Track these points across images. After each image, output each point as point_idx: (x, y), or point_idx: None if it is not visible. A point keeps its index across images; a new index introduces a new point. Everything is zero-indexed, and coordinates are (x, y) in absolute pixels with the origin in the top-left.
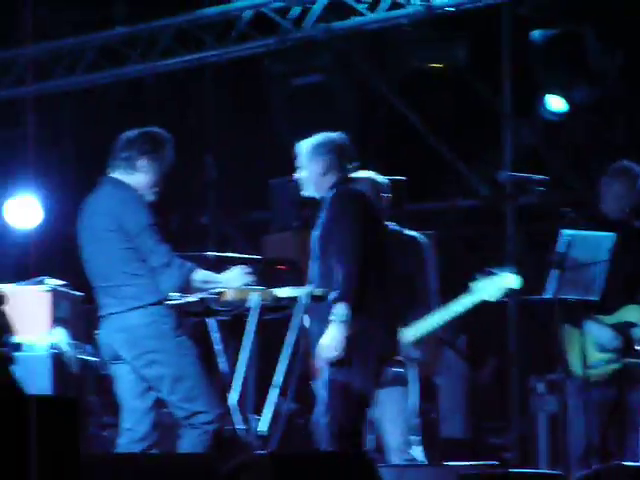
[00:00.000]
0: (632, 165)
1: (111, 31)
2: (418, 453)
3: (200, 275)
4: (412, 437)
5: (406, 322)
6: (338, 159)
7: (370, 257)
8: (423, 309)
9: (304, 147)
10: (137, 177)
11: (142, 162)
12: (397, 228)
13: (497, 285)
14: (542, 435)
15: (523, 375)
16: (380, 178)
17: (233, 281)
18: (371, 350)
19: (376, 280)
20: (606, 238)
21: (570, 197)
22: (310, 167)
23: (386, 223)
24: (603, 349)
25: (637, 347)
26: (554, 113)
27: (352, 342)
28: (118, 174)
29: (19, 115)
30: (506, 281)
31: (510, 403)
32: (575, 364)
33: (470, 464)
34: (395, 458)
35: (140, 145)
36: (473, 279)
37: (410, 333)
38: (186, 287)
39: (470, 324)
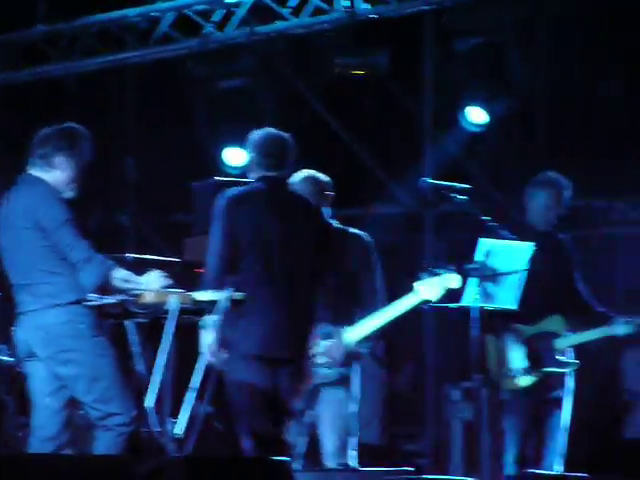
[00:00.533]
0: (558, 177)
1: (31, 29)
2: (353, 457)
3: (121, 274)
4: (351, 439)
5: (352, 320)
6: (261, 158)
7: (247, 257)
8: (369, 307)
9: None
10: (54, 174)
11: (59, 159)
12: (341, 227)
13: (439, 285)
14: (456, 442)
15: (439, 382)
16: (322, 176)
17: (152, 283)
18: (247, 348)
19: (257, 279)
20: (525, 248)
21: (489, 207)
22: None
23: (330, 221)
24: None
25: (558, 357)
26: (475, 124)
27: (228, 341)
28: (35, 171)
29: None
30: (448, 281)
31: (425, 410)
32: (493, 372)
33: (386, 470)
34: (330, 462)
35: (56, 141)
36: (417, 278)
37: (355, 332)
38: (106, 286)
39: (388, 330)
